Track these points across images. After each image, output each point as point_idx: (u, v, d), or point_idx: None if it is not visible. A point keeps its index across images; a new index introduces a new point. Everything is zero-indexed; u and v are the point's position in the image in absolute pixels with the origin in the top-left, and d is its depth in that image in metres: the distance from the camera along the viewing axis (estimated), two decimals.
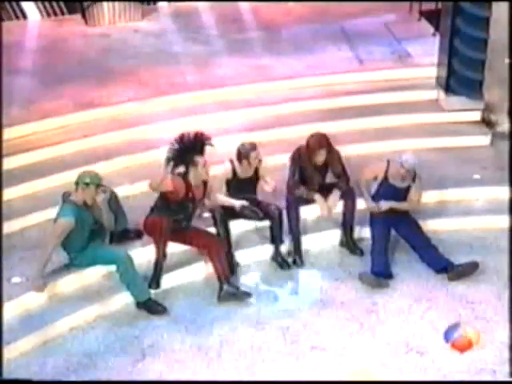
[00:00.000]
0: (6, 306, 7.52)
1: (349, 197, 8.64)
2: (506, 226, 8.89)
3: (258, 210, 8.17)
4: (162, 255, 7.99)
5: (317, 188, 8.61)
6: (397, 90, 10.42)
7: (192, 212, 8.07)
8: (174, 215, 7.91)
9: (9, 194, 8.62)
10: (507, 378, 7.01)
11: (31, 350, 7.39)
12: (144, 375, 7.25)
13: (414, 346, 7.55)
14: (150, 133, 9.54)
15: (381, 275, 8.29)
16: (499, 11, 9.71)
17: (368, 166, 8.60)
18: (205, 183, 8.06)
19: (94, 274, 8.02)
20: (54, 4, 12.08)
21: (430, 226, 8.76)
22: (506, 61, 10.27)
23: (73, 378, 7.19)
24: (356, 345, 7.57)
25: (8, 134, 9.07)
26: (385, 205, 8.34)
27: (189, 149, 7.77)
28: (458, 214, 9.09)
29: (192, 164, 7.81)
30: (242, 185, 8.41)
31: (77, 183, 7.61)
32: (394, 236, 8.56)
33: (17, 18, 11.98)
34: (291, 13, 12.21)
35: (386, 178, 8.39)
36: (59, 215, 7.61)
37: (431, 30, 11.39)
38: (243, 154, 8.27)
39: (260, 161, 8.34)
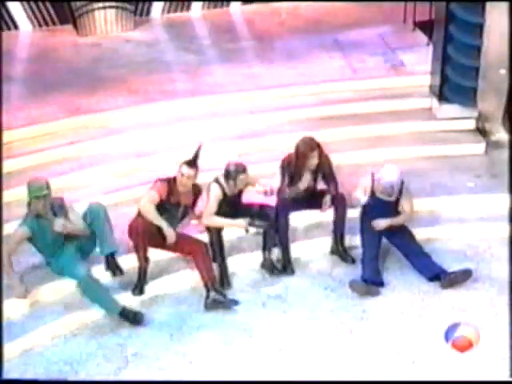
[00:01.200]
0: None
1: (339, 204, 8.41)
2: (500, 233, 8.67)
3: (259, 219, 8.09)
4: (143, 260, 7.75)
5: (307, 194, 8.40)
6: (390, 98, 10.20)
7: (177, 216, 7.82)
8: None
9: None
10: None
11: (12, 358, 7.14)
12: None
13: (404, 354, 7.32)
14: (138, 140, 9.33)
15: (371, 282, 8.05)
16: (492, 18, 9.52)
17: (357, 185, 8.32)
18: (195, 193, 7.87)
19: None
20: (46, 14, 11.89)
21: (422, 234, 8.52)
22: (502, 71, 10.09)
23: None
24: (345, 352, 7.33)
25: None
26: (382, 223, 8.10)
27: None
28: (451, 222, 8.86)
29: (179, 171, 7.65)
30: (231, 202, 8.15)
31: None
32: (386, 243, 8.33)
33: (8, 28, 11.78)
34: (284, 24, 12.01)
35: (373, 193, 8.16)
36: (19, 224, 7.53)
37: (425, 39, 11.16)
38: (231, 175, 7.98)
39: (247, 184, 8.13)
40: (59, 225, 7.40)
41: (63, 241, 7.59)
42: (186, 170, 7.63)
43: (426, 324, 7.66)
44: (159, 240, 7.81)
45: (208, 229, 8.12)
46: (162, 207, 7.69)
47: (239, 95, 9.99)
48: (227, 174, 7.95)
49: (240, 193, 8.18)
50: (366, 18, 12.11)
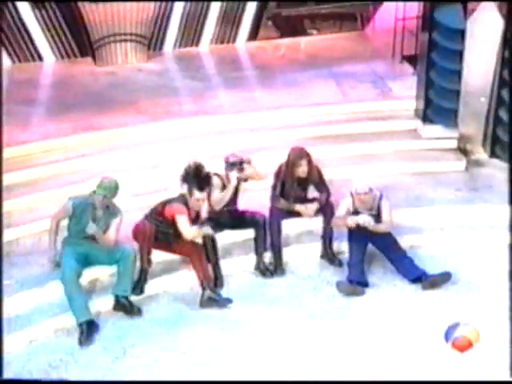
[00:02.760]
0: None
1: (327, 211, 8.11)
2: (478, 241, 8.39)
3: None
4: (146, 262, 7.47)
5: (298, 202, 8.10)
6: (378, 119, 9.93)
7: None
8: (164, 229, 7.45)
9: (8, 205, 8.09)
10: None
11: (16, 348, 6.85)
12: (123, 372, 6.71)
13: (386, 349, 6.96)
14: (144, 154, 9.08)
15: (357, 283, 7.74)
16: (471, 44, 9.28)
17: (338, 204, 8.00)
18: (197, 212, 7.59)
19: None
20: (67, 47, 11.75)
21: (406, 241, 8.20)
22: (482, 99, 9.84)
23: (54, 374, 6.68)
24: (331, 346, 7.01)
25: (12, 152, 8.62)
26: (366, 219, 7.75)
27: (190, 178, 7.35)
28: (433, 231, 8.54)
29: (189, 193, 7.35)
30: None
31: None
32: (372, 249, 8.00)
33: (33, 59, 11.65)
34: (284, 57, 11.81)
35: (355, 210, 7.86)
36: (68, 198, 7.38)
37: (411, 70, 10.91)
38: (225, 169, 7.80)
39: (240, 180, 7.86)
40: (91, 229, 7.16)
41: (89, 239, 7.27)
42: (199, 195, 7.33)
43: (408, 321, 7.34)
44: (162, 243, 7.55)
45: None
46: (172, 224, 7.41)
47: (240, 115, 9.75)
48: (231, 165, 7.76)
49: (235, 199, 7.88)
50: (358, 52, 11.91)
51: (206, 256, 7.64)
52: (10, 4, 11.25)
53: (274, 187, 8.07)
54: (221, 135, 9.45)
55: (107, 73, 11.19)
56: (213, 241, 7.78)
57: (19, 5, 11.25)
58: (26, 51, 11.62)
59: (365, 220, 7.74)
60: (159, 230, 7.47)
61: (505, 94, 9.44)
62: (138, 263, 7.47)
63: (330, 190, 8.17)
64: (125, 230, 7.51)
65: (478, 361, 6.67)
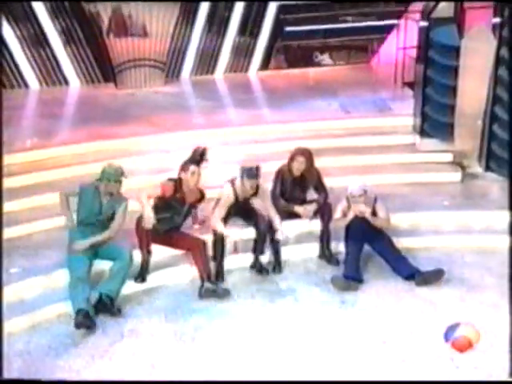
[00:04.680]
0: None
1: (326, 212, 7.71)
2: (470, 244, 7.94)
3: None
4: (146, 253, 7.09)
5: (297, 203, 7.72)
6: (378, 134, 9.57)
7: (182, 214, 7.17)
8: (159, 213, 7.03)
9: (23, 203, 7.94)
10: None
11: (19, 331, 6.46)
12: (118, 354, 6.30)
13: (378, 337, 6.51)
14: (153, 160, 8.80)
15: (352, 279, 7.28)
16: (466, 60, 8.93)
17: (335, 210, 7.60)
18: (200, 194, 7.23)
19: None
20: (92, 73, 11.59)
21: (402, 243, 7.75)
22: (479, 122, 9.44)
23: (52, 354, 6.25)
24: (326, 338, 6.55)
25: (29, 157, 8.51)
26: (365, 211, 7.37)
27: (190, 158, 7.14)
28: (428, 234, 8.11)
29: (184, 170, 7.04)
30: (240, 207, 7.46)
31: None
32: (367, 250, 7.56)
33: (60, 84, 11.50)
34: (292, 81, 11.55)
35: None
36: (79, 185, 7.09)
37: (411, 93, 10.57)
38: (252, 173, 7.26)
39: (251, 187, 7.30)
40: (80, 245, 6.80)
41: (97, 226, 6.89)
42: (192, 167, 7.03)
43: (399, 313, 6.86)
44: (162, 238, 7.18)
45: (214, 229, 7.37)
46: (167, 204, 7.07)
47: (246, 128, 9.45)
48: (247, 173, 7.20)
49: (248, 199, 7.46)
50: (362, 80, 11.70)
51: (213, 253, 7.24)
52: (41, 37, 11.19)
53: (274, 187, 7.71)
54: (227, 146, 9.14)
55: (126, 94, 11.02)
56: (223, 240, 7.34)
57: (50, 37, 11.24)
58: (53, 76, 11.49)
59: (361, 210, 7.37)
60: (159, 219, 7.03)
61: (498, 110, 9.08)
62: (140, 255, 7.10)
63: (328, 192, 7.78)
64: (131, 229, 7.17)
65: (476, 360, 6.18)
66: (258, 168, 7.24)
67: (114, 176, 6.83)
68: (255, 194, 7.36)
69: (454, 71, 9.01)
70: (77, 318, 6.38)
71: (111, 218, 6.91)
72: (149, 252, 7.11)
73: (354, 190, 7.43)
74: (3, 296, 6.31)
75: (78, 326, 6.37)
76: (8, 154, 8.12)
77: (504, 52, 8.87)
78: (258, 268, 7.49)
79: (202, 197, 7.30)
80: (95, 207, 6.88)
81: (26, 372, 5.96)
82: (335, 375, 6.02)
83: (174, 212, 7.12)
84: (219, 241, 7.33)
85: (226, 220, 7.36)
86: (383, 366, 6.14)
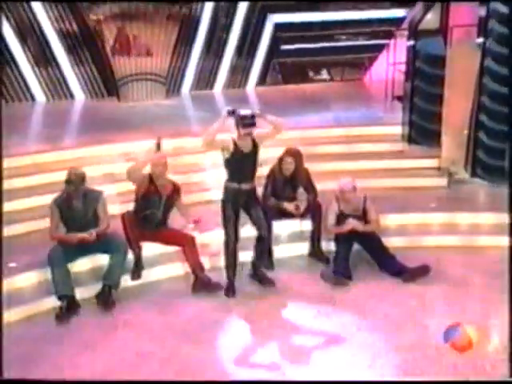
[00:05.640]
0: None
1: (316, 213, 7.59)
2: (455, 243, 7.84)
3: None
4: (136, 247, 6.93)
5: (288, 201, 7.60)
6: (368, 142, 9.45)
7: (160, 208, 6.99)
8: (142, 211, 6.95)
9: (25, 203, 7.86)
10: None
11: (17, 320, 6.32)
12: (110, 342, 6.16)
13: (364, 327, 6.40)
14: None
15: (341, 275, 7.14)
16: (451, 70, 8.86)
17: (326, 211, 7.49)
18: (174, 185, 7.07)
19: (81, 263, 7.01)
20: (96, 87, 11.54)
21: (391, 242, 7.61)
22: (465, 132, 9.35)
23: (47, 342, 6.11)
24: (314, 329, 6.44)
25: (29, 160, 8.48)
26: (355, 224, 7.24)
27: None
28: (415, 234, 7.98)
29: (150, 164, 6.97)
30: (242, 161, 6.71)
31: None
32: (357, 249, 7.43)
33: (66, 98, 11.43)
34: (288, 95, 11.48)
35: (341, 212, 7.37)
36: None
37: (400, 105, 10.48)
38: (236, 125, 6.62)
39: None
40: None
41: (86, 227, 6.75)
42: (155, 160, 6.96)
43: (385, 306, 6.72)
44: (151, 234, 7.02)
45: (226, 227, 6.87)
46: (146, 200, 6.94)
47: None
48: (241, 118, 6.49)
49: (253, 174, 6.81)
50: (354, 94, 11.59)
51: (226, 254, 6.87)
52: (47, 51, 11.17)
53: (266, 186, 7.60)
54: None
55: (129, 106, 10.93)
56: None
57: (57, 54, 11.21)
58: (59, 90, 11.43)
59: (354, 224, 7.25)
60: (143, 217, 6.94)
61: (483, 118, 8.98)
62: (131, 252, 6.96)
63: (317, 192, 7.67)
64: None
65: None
66: (253, 116, 6.56)
67: (77, 181, 6.70)
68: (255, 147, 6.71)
69: (440, 80, 8.93)
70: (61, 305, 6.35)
71: (94, 214, 6.79)
72: (138, 246, 6.95)
73: (344, 186, 7.32)
74: (3, 295, 6.17)
75: (60, 317, 6.32)
76: (16, 157, 8.21)
77: (488, 62, 8.79)
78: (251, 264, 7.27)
79: (175, 188, 7.10)
80: (75, 214, 6.74)
81: (21, 357, 5.81)
82: (326, 365, 5.86)
83: (153, 207, 6.96)
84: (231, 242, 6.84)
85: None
86: (371, 354, 5.99)
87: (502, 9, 8.52)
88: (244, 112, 6.52)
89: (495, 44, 8.65)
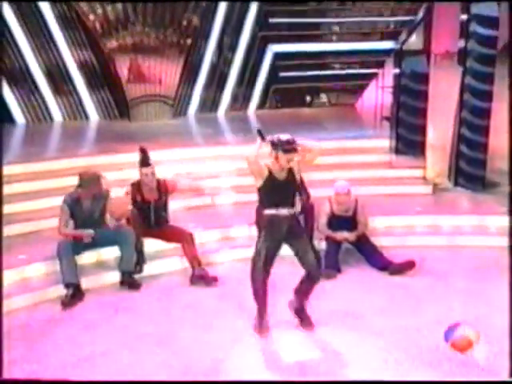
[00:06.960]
0: (10, 273, 6.39)
1: (309, 213, 7.42)
2: (439, 243, 7.66)
3: None
4: (137, 243, 6.79)
5: None
6: (359, 154, 9.33)
7: (150, 216, 6.91)
8: (138, 217, 6.87)
9: (31, 205, 7.77)
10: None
11: (23, 307, 6.17)
12: (111, 325, 5.98)
13: (351, 312, 6.16)
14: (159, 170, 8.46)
15: (330, 267, 6.94)
16: (434, 86, 8.79)
17: (319, 212, 7.34)
18: (159, 192, 6.95)
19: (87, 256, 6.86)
20: (110, 110, 11.52)
21: (379, 242, 7.41)
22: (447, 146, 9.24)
23: (51, 326, 5.90)
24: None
25: (41, 167, 8.41)
26: (346, 235, 7.14)
27: (139, 163, 6.97)
28: (402, 235, 7.82)
29: (140, 174, 6.93)
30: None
31: None
32: (346, 247, 7.27)
33: (81, 118, 11.41)
34: (285, 117, 11.41)
35: (333, 213, 7.22)
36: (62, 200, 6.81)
37: (388, 124, 10.38)
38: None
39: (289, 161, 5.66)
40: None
41: (97, 225, 6.67)
42: (145, 170, 6.84)
43: (373, 295, 6.54)
44: (153, 232, 6.93)
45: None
46: (139, 207, 6.88)
47: (239, 147, 9.19)
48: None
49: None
50: (346, 117, 11.54)
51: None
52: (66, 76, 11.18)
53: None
54: (222, 159, 8.94)
55: (138, 125, 10.88)
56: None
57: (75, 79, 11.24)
58: (75, 111, 11.41)
59: (347, 236, 7.16)
60: (142, 216, 6.86)
61: (465, 131, 8.86)
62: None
63: (310, 194, 7.52)
64: None
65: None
66: (294, 140, 5.63)
67: (89, 183, 6.59)
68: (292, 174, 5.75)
69: (424, 95, 8.85)
70: (67, 291, 6.21)
71: (101, 213, 6.69)
72: (141, 243, 6.83)
73: (340, 188, 7.18)
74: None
75: (65, 303, 6.17)
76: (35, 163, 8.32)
77: (468, 79, 8.71)
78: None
79: (160, 196, 6.98)
80: (84, 212, 6.64)
81: (25, 337, 5.63)
82: (316, 347, 5.66)
83: (145, 212, 6.90)
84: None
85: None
86: (357, 339, 5.77)
87: (481, 30, 8.50)
88: (284, 137, 5.62)
89: (475, 63, 8.59)
